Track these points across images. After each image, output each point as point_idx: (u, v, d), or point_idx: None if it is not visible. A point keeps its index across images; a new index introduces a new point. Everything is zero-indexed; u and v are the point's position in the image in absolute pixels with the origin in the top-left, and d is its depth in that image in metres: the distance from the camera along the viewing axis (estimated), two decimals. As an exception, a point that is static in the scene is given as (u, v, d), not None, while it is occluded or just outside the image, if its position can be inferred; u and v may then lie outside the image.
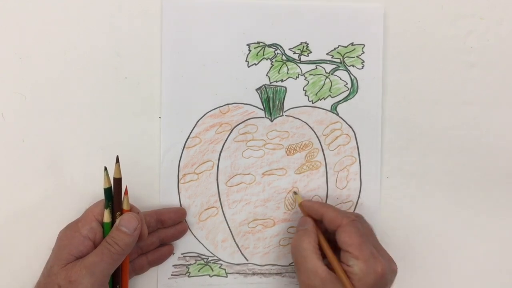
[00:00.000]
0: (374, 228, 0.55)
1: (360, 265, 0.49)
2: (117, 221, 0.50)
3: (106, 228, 0.51)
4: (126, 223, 0.49)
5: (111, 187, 0.51)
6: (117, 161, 0.51)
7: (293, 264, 0.58)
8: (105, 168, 0.51)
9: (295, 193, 0.58)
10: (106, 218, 0.51)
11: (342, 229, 0.51)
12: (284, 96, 0.58)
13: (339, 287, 0.49)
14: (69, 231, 0.50)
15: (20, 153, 0.56)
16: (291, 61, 0.57)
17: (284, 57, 0.57)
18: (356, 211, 0.59)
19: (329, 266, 0.50)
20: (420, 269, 0.60)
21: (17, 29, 0.56)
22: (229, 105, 0.57)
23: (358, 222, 0.52)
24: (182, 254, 0.58)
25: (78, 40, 0.56)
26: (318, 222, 0.54)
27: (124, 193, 0.52)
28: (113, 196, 0.51)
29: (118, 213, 0.51)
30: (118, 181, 0.51)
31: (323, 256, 0.52)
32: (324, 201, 0.59)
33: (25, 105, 0.56)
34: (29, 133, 0.56)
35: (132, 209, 0.52)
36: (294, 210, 0.59)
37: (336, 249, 0.51)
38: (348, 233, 0.50)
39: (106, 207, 0.51)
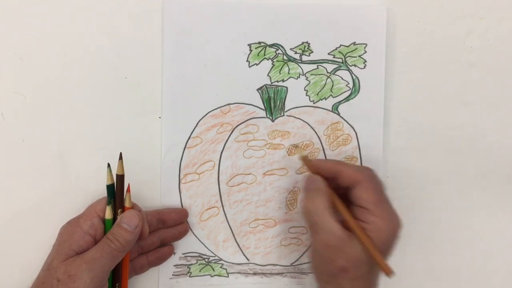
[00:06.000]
0: None
1: (379, 223, 0.48)
2: (119, 218, 0.50)
3: (107, 225, 0.51)
4: (128, 220, 0.50)
5: (113, 183, 0.51)
6: (120, 157, 0.51)
7: (294, 264, 0.59)
8: (108, 165, 0.51)
9: (296, 146, 0.56)
10: (108, 214, 0.51)
11: (360, 185, 0.50)
12: (285, 96, 0.58)
13: (357, 244, 0.48)
14: (70, 226, 0.51)
15: (20, 153, 0.56)
16: (292, 61, 0.58)
17: (285, 57, 0.57)
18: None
19: (343, 224, 0.50)
20: (420, 269, 0.60)
21: (17, 29, 0.55)
22: (230, 105, 0.57)
23: (376, 178, 0.51)
24: (183, 254, 0.58)
25: (78, 40, 0.56)
26: (328, 180, 0.52)
27: (127, 191, 0.52)
28: (116, 193, 0.51)
29: (119, 210, 0.51)
30: (121, 178, 0.51)
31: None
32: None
33: (25, 105, 0.56)
34: (29, 133, 0.56)
35: (134, 207, 0.52)
36: (295, 210, 0.59)
37: (348, 205, 0.51)
38: (367, 189, 0.49)
39: (108, 203, 0.51)
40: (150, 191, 0.57)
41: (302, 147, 0.56)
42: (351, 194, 0.50)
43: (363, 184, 0.50)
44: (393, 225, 0.49)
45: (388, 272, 0.47)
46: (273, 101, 0.58)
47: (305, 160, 0.54)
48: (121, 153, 0.51)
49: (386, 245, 0.49)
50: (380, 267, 0.48)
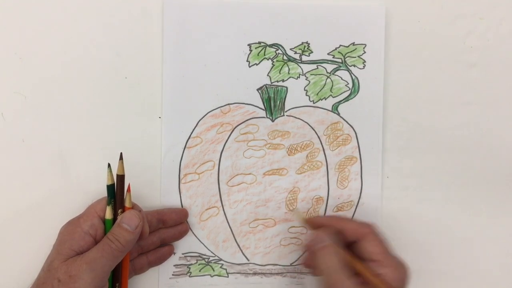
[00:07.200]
0: None
1: (390, 273, 0.49)
2: (119, 218, 0.50)
3: (107, 225, 0.51)
4: (128, 220, 0.50)
5: (114, 184, 0.51)
6: (121, 158, 0.51)
7: (294, 263, 0.59)
8: (109, 165, 0.51)
9: (293, 209, 0.58)
10: (108, 215, 0.51)
11: (367, 239, 0.51)
12: (285, 96, 0.58)
13: None
14: (70, 227, 0.51)
15: (20, 153, 0.56)
16: (292, 61, 0.58)
17: (285, 57, 0.57)
18: (357, 211, 0.59)
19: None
20: (421, 269, 0.60)
21: (17, 29, 0.55)
22: (230, 105, 0.57)
23: (378, 229, 0.52)
24: (183, 254, 0.58)
25: (78, 40, 0.56)
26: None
27: (127, 191, 0.52)
28: (116, 193, 0.51)
29: (120, 210, 0.51)
30: (121, 178, 0.51)
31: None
32: (325, 201, 0.59)
33: (25, 105, 0.56)
34: (29, 133, 0.56)
35: (134, 207, 0.52)
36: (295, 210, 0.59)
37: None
38: (374, 242, 0.50)
39: (108, 203, 0.51)
40: (150, 191, 0.57)
41: (297, 208, 0.58)
42: (358, 248, 0.51)
43: (370, 237, 0.51)
44: (404, 273, 0.50)
45: None
46: (273, 101, 0.58)
47: (307, 221, 0.55)
48: (121, 153, 0.51)
49: None
50: None
